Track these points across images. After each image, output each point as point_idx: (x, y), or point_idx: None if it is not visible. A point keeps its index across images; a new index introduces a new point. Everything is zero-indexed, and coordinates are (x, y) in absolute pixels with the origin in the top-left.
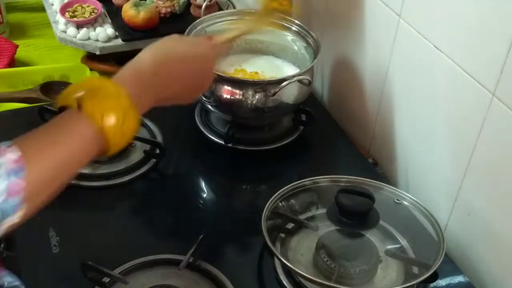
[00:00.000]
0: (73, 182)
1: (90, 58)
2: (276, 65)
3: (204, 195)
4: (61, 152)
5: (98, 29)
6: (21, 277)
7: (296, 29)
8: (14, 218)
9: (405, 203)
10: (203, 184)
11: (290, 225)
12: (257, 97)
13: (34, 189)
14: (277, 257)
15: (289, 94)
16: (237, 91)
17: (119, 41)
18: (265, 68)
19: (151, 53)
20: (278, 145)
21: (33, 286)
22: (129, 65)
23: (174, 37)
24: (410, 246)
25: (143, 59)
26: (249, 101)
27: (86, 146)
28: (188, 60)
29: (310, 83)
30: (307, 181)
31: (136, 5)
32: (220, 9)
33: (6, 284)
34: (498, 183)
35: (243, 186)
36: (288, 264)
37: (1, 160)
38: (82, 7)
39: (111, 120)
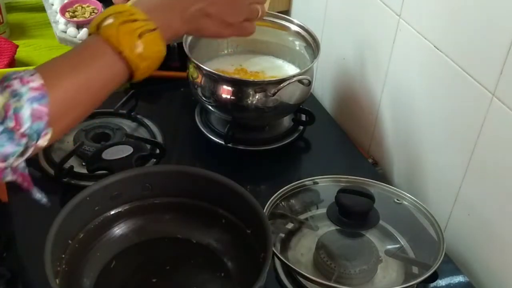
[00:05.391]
0: (81, 183)
1: None
2: (276, 65)
3: None
4: (82, 76)
5: None
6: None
7: (296, 29)
8: (41, 142)
9: (405, 203)
10: None
11: (290, 225)
12: (257, 97)
13: (57, 113)
14: (277, 257)
15: (289, 94)
16: (237, 91)
17: None
18: (265, 68)
19: None
20: (278, 145)
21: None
22: None
23: None
24: (410, 246)
25: None
26: (249, 101)
27: (107, 68)
28: None
29: (310, 83)
30: (307, 181)
31: None
32: None
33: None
34: (498, 183)
35: (243, 186)
36: (289, 264)
37: (23, 89)
38: (82, 7)
39: (125, 38)
